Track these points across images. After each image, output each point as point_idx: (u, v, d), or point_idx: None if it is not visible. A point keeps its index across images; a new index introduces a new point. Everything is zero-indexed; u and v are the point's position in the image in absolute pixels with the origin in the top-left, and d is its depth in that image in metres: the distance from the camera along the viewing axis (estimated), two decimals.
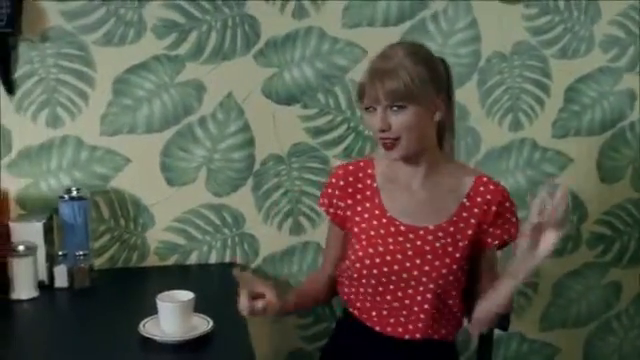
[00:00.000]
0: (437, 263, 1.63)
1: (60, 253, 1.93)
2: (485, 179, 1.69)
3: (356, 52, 2.14)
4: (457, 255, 1.65)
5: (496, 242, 1.69)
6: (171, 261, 2.15)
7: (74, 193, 1.97)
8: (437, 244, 1.64)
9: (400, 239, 1.65)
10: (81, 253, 1.92)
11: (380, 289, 1.66)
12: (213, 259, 2.17)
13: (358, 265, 1.66)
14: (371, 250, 1.65)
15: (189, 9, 2.04)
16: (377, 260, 1.64)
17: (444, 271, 1.63)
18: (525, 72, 2.27)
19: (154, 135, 2.08)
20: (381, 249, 1.65)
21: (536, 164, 2.32)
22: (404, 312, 1.66)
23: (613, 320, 2.48)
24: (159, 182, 2.10)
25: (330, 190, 1.74)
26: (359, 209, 1.71)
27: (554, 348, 2.46)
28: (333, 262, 1.79)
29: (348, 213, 1.72)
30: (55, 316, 1.82)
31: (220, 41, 2.07)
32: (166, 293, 1.61)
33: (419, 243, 1.64)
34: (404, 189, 1.69)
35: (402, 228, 1.65)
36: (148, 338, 1.56)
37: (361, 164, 1.74)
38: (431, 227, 1.65)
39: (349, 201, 1.72)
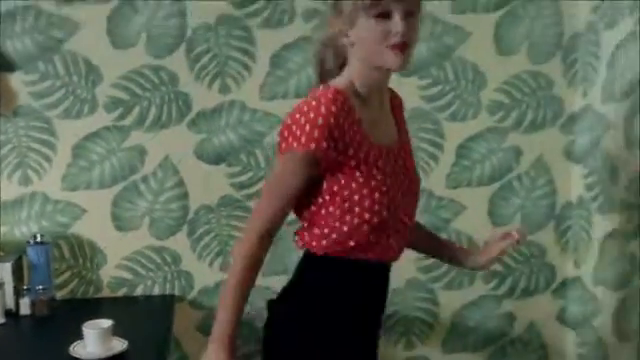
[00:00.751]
0: (417, 176, 1.81)
1: (25, 287, 2.41)
2: (390, 88, 1.81)
3: (272, 120, 2.59)
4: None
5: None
6: (121, 293, 2.61)
7: (38, 239, 2.45)
8: (411, 158, 1.80)
9: (390, 164, 1.67)
10: (41, 287, 2.39)
11: (390, 222, 1.66)
12: (156, 291, 2.63)
13: (377, 207, 1.61)
14: (383, 186, 1.62)
15: (133, 88, 2.52)
16: (389, 192, 1.63)
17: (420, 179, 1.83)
18: (420, 133, 2.67)
19: (106, 190, 2.55)
20: (387, 180, 1.64)
21: (433, 210, 2.72)
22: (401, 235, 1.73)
23: (508, 346, 2.85)
24: (110, 228, 2.57)
25: (327, 131, 1.54)
26: (354, 144, 1.60)
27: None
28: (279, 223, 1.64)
29: (351, 151, 1.59)
30: (17, 339, 2.29)
31: (159, 113, 2.54)
32: (92, 321, 2.07)
33: (400, 162, 1.72)
34: (373, 112, 1.67)
35: (386, 153, 1.67)
36: (76, 358, 2.02)
37: (340, 99, 1.57)
38: (398, 143, 1.74)
39: (346, 138, 1.58)
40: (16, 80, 2.46)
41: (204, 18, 2.52)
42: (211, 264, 2.64)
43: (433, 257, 2.14)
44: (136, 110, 2.53)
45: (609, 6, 2.51)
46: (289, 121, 1.59)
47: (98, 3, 2.46)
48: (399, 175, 1.71)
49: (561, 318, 2.86)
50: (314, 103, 1.56)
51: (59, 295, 2.57)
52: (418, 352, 2.79)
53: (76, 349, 2.04)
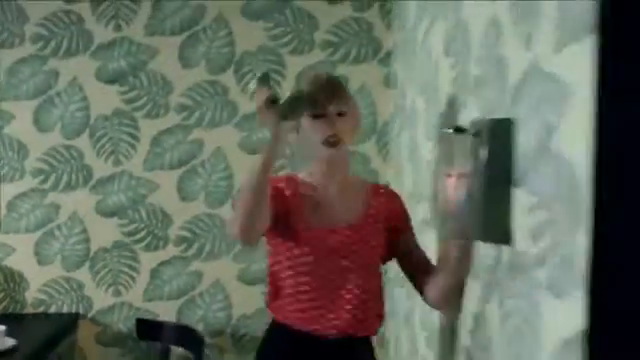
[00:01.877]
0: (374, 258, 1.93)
1: None
2: (381, 188, 2.03)
3: (152, 185, 3.51)
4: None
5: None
6: (40, 310, 3.55)
7: None
8: (368, 245, 1.91)
9: (325, 242, 1.87)
10: None
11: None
12: (65, 309, 3.55)
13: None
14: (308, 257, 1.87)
15: (51, 161, 3.48)
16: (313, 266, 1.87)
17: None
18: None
19: (30, 234, 3.51)
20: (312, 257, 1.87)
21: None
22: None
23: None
24: (33, 262, 3.52)
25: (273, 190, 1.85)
26: (293, 216, 1.88)
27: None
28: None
29: (291, 219, 1.88)
30: None
31: (69, 180, 3.50)
32: None
33: (343, 243, 1.88)
34: (322, 197, 1.92)
35: (326, 232, 1.88)
36: None
37: (289, 179, 1.94)
38: (350, 227, 1.90)
39: (287, 205, 1.89)
40: None
41: (102, 111, 3.48)
42: (106, 291, 3.55)
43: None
44: (52, 177, 3.50)
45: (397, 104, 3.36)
46: None
47: (28, 100, 3.46)
48: (334, 254, 1.88)
49: None
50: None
51: None
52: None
53: None
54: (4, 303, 3.55)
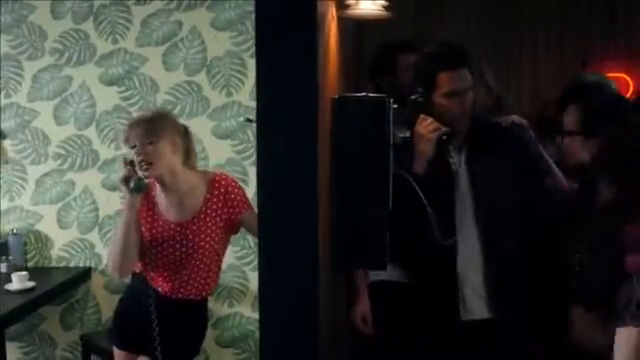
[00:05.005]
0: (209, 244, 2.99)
1: (4, 257, 4.36)
2: (216, 182, 2.97)
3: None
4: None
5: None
6: (62, 264, 4.50)
7: (15, 232, 4.41)
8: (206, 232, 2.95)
9: (171, 232, 2.95)
10: (12, 258, 4.34)
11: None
12: (81, 264, 4.49)
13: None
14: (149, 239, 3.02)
15: (68, 148, 4.44)
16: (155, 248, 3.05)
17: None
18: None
19: (54, 205, 4.46)
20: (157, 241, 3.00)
21: None
22: None
23: None
24: (56, 227, 4.47)
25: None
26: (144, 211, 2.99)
27: None
28: None
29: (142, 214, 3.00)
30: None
31: (81, 162, 4.43)
32: (17, 272, 3.96)
33: (187, 233, 2.94)
34: (169, 198, 2.95)
35: (174, 225, 2.95)
36: (7, 290, 3.93)
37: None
38: (193, 220, 2.95)
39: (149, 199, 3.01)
40: (6, 144, 4.47)
41: (105, 107, 4.41)
42: None
43: None
44: (69, 160, 4.45)
45: None
46: None
47: (49, 100, 4.42)
48: (177, 241, 2.96)
49: None
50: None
51: (29, 264, 4.51)
52: None
53: (7, 285, 3.96)
54: (36, 259, 4.53)
